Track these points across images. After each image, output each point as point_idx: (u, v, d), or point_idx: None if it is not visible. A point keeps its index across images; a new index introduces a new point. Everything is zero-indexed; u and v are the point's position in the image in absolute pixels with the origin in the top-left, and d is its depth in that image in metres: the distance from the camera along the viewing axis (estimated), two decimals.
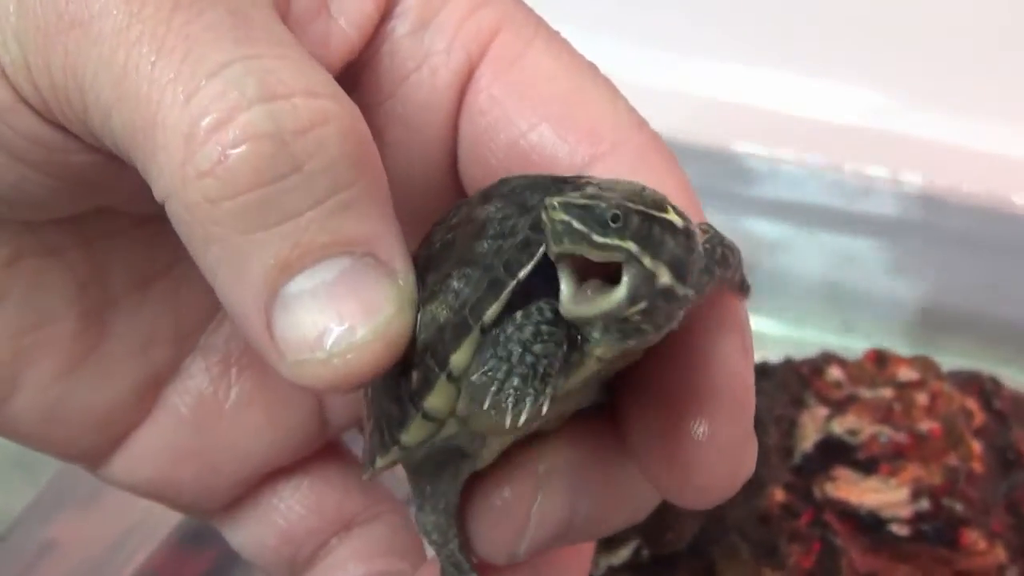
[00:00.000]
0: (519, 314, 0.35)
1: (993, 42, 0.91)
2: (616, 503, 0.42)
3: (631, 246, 0.34)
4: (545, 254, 0.35)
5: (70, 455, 0.47)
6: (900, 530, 0.67)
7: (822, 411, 0.71)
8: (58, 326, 0.44)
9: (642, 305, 0.34)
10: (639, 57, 0.90)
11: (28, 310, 0.43)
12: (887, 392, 0.71)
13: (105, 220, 0.43)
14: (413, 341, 0.36)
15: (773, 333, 0.84)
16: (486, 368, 0.35)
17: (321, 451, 0.49)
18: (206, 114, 0.34)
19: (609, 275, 0.34)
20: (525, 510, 0.41)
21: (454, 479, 0.41)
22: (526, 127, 0.41)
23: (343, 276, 0.35)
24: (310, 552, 0.49)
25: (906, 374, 0.72)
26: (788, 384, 0.73)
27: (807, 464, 0.69)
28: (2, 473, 0.68)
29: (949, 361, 0.75)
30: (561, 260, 0.34)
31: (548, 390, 0.35)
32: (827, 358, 0.74)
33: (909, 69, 0.91)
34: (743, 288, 0.39)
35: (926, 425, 0.69)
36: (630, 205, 0.34)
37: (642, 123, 0.41)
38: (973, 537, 0.66)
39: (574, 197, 0.34)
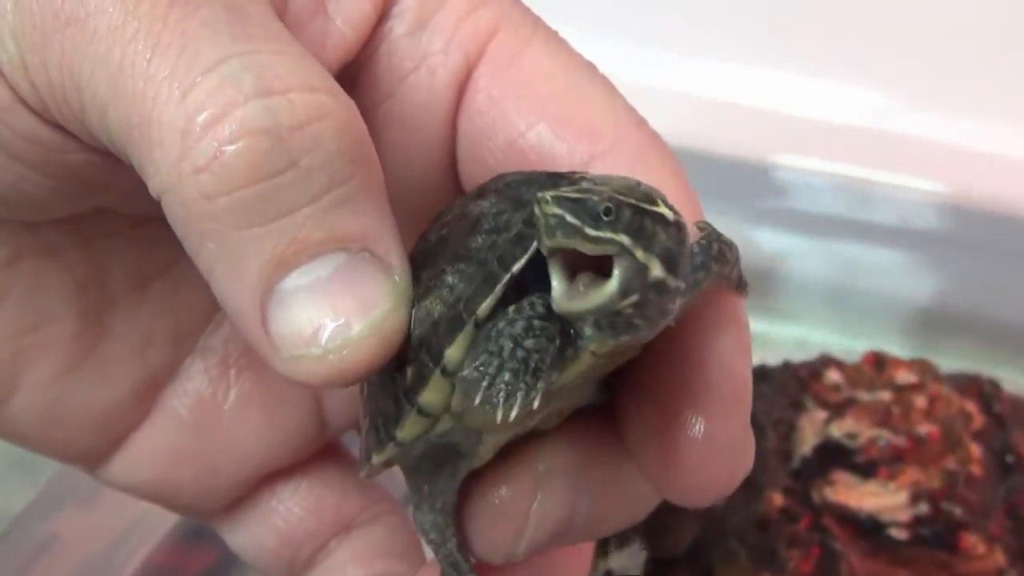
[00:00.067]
0: (511, 309, 0.36)
1: (993, 42, 0.91)
2: (616, 503, 0.42)
3: (624, 239, 0.34)
4: (539, 248, 0.35)
5: (69, 457, 0.47)
6: (899, 534, 0.66)
7: (821, 414, 0.71)
8: (57, 327, 0.44)
9: (634, 298, 0.34)
10: (639, 57, 0.90)
11: (27, 310, 0.43)
12: (886, 395, 0.71)
13: (103, 221, 0.44)
14: (408, 337, 0.37)
15: (769, 334, 0.84)
16: (477, 363, 0.36)
17: (320, 453, 0.49)
18: (202, 110, 0.34)
19: (599, 269, 0.34)
20: (524, 509, 0.41)
21: (451, 478, 0.41)
22: (524, 127, 0.41)
23: (339, 272, 0.35)
24: (309, 554, 0.49)
25: (904, 377, 0.72)
26: (786, 387, 0.72)
27: (806, 468, 0.69)
28: (1, 473, 0.68)
29: (949, 363, 0.75)
30: (552, 255, 0.34)
31: (539, 384, 0.35)
32: (825, 361, 0.74)
33: (909, 69, 0.91)
34: (741, 286, 0.39)
35: (925, 428, 0.69)
36: (621, 198, 0.34)
37: (640, 121, 0.41)
38: (972, 541, 0.66)
39: (566, 191, 0.34)
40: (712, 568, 0.66)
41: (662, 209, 0.35)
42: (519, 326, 0.35)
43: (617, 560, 0.66)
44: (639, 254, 0.34)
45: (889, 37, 0.91)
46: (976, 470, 0.68)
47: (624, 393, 0.40)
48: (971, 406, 0.71)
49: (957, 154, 0.87)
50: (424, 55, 0.42)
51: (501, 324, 0.36)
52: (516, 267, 0.36)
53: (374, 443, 0.40)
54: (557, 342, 0.35)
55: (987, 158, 0.87)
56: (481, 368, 0.36)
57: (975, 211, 0.85)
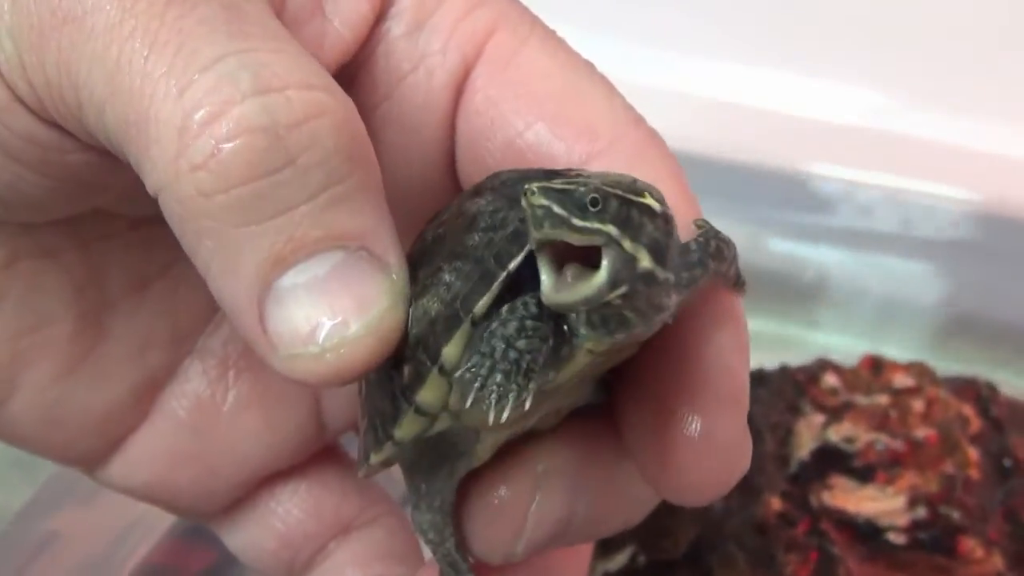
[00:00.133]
0: (504, 309, 0.36)
1: (993, 42, 0.91)
2: (614, 503, 0.42)
3: (611, 229, 0.34)
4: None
5: (67, 458, 0.47)
6: (897, 538, 0.66)
7: (818, 418, 0.71)
8: (55, 328, 0.44)
9: (623, 289, 0.34)
10: (638, 57, 0.90)
11: (25, 312, 0.43)
12: (883, 399, 0.71)
13: (101, 222, 0.44)
14: (405, 335, 0.37)
15: (766, 332, 0.84)
16: (470, 364, 0.36)
17: (318, 455, 0.49)
18: (199, 107, 0.34)
19: (587, 263, 0.34)
20: (523, 509, 0.41)
21: (450, 477, 0.41)
22: (522, 126, 0.41)
23: (336, 270, 0.35)
24: (308, 556, 0.49)
25: (902, 380, 0.72)
26: (783, 391, 0.72)
27: (803, 472, 0.69)
28: (1, 472, 0.68)
29: (950, 365, 0.75)
30: (540, 249, 0.34)
31: (531, 385, 0.35)
32: (823, 365, 0.74)
33: (909, 69, 0.91)
34: (738, 283, 0.39)
35: (922, 432, 0.69)
36: (608, 189, 0.34)
37: (639, 119, 0.41)
38: (970, 545, 0.66)
39: (553, 183, 0.34)
40: (710, 571, 0.66)
41: (648, 200, 0.35)
42: (511, 327, 0.35)
43: (615, 562, 0.66)
44: (627, 244, 0.34)
45: (889, 37, 0.91)
46: (974, 474, 0.68)
47: (622, 391, 0.40)
48: (968, 410, 0.71)
49: (957, 155, 0.87)
50: (422, 56, 0.42)
51: (494, 325, 0.36)
52: (513, 265, 0.36)
53: (372, 443, 0.40)
54: (550, 342, 0.35)
55: (987, 159, 0.87)
56: (473, 370, 0.36)
57: (976, 212, 0.85)
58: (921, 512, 0.67)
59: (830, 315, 0.88)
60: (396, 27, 0.42)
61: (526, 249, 0.35)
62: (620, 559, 0.66)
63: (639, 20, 0.95)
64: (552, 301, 0.34)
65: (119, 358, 0.45)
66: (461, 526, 0.42)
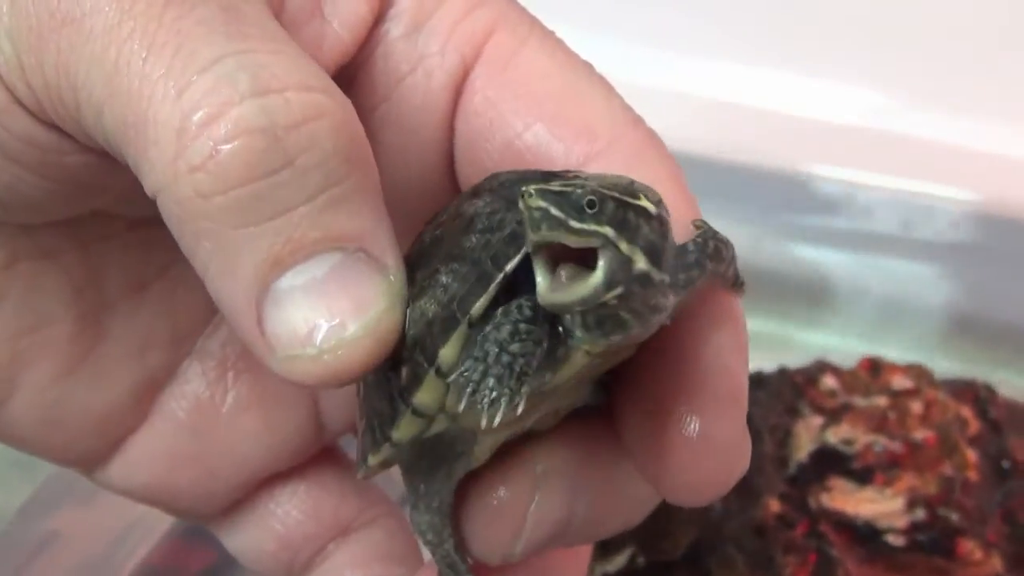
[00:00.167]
0: (499, 311, 0.36)
1: (993, 42, 0.91)
2: (613, 504, 0.42)
3: (608, 231, 0.34)
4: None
5: (67, 459, 0.46)
6: (896, 540, 0.66)
7: (816, 420, 0.71)
8: (55, 329, 0.43)
9: (619, 290, 0.34)
10: (638, 57, 0.90)
11: (25, 312, 0.43)
12: (881, 400, 0.71)
13: (100, 223, 0.43)
14: (403, 337, 0.37)
15: (765, 333, 0.84)
16: (463, 368, 0.36)
17: (318, 456, 0.49)
18: (197, 109, 0.34)
19: (582, 263, 0.34)
20: (522, 510, 0.41)
21: (448, 478, 0.41)
22: (521, 127, 0.41)
23: (334, 272, 0.35)
24: (307, 558, 0.49)
25: (900, 382, 0.72)
26: (782, 393, 0.72)
27: (802, 474, 0.69)
28: (0, 472, 0.68)
29: (949, 365, 0.75)
30: (537, 251, 0.34)
31: (524, 389, 0.35)
32: (821, 367, 0.74)
33: (909, 69, 0.91)
34: (737, 284, 0.39)
35: (921, 434, 0.69)
36: (605, 191, 0.34)
37: (637, 120, 0.41)
38: (969, 547, 0.66)
39: (551, 185, 0.34)
40: (709, 573, 0.66)
41: (644, 203, 0.35)
42: (505, 330, 0.35)
43: (614, 563, 0.66)
44: (623, 246, 0.34)
45: (889, 37, 0.91)
46: (972, 475, 0.68)
47: (620, 392, 0.40)
48: (967, 411, 0.71)
49: (957, 155, 0.87)
50: (420, 57, 0.42)
51: (488, 328, 0.36)
52: (509, 266, 0.36)
53: (370, 444, 0.40)
54: (545, 345, 0.35)
55: (987, 159, 0.87)
56: (466, 374, 0.36)
57: (976, 212, 0.85)
58: (920, 514, 0.67)
59: (830, 316, 0.88)
60: (395, 28, 0.42)
61: (523, 251, 0.35)
62: (619, 560, 0.66)
63: (639, 20, 0.95)
64: (548, 302, 0.34)
65: (118, 359, 0.45)
66: (460, 527, 0.42)
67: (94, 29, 0.35)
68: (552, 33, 0.42)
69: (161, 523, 0.68)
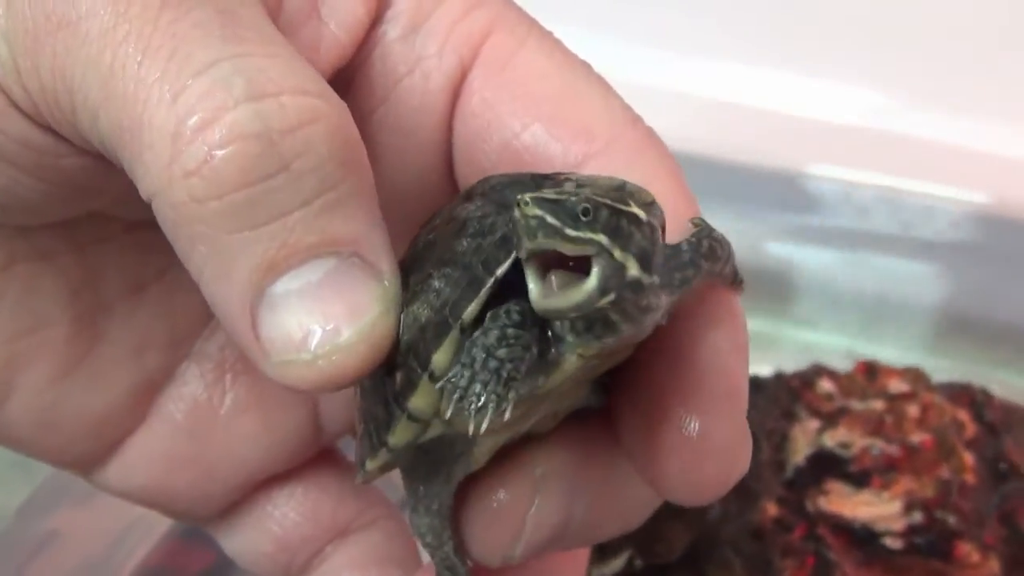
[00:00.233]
0: (488, 316, 0.36)
1: (993, 42, 0.91)
2: (612, 506, 0.42)
3: (602, 239, 0.34)
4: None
5: (64, 461, 0.46)
6: (893, 543, 0.67)
7: (813, 424, 0.71)
8: (52, 331, 0.43)
9: (611, 297, 0.34)
10: (638, 57, 0.90)
11: (22, 314, 0.43)
12: (878, 404, 0.71)
13: (97, 225, 0.43)
14: (397, 342, 0.36)
15: (762, 332, 0.84)
16: (451, 375, 0.36)
17: (316, 458, 0.49)
18: (192, 113, 0.34)
19: (573, 270, 0.34)
20: (521, 513, 0.41)
21: (447, 480, 0.41)
22: (519, 128, 0.41)
23: (329, 277, 0.35)
24: (305, 560, 0.49)
25: (896, 386, 0.72)
26: (779, 397, 0.73)
27: (799, 478, 0.69)
28: (0, 472, 0.68)
29: (947, 365, 0.75)
30: (529, 258, 0.34)
31: (511, 395, 0.35)
32: (818, 370, 0.74)
33: (909, 69, 0.91)
34: (736, 282, 0.39)
35: (917, 437, 0.69)
36: (598, 199, 0.34)
37: (636, 119, 0.41)
38: (966, 549, 0.66)
39: (545, 193, 0.34)
40: None
41: (635, 209, 0.35)
42: (492, 336, 0.35)
43: (611, 566, 0.66)
44: (617, 253, 0.34)
45: (889, 37, 0.91)
46: (969, 478, 0.68)
47: (619, 393, 0.40)
48: (963, 414, 0.72)
49: (957, 155, 0.87)
50: (418, 59, 0.42)
51: (476, 334, 0.36)
52: (500, 271, 0.36)
53: (368, 449, 0.40)
54: (534, 349, 0.35)
55: (987, 159, 0.87)
56: (454, 380, 0.36)
57: (975, 212, 0.85)
58: (917, 517, 0.67)
59: (828, 316, 0.88)
60: (392, 30, 0.42)
61: (514, 255, 0.35)
62: (617, 563, 0.66)
63: (639, 20, 0.95)
64: (542, 308, 0.34)
65: (115, 361, 0.45)
66: (459, 529, 0.42)
67: (90, 32, 0.35)
68: (550, 33, 0.42)
69: (160, 524, 0.68)
